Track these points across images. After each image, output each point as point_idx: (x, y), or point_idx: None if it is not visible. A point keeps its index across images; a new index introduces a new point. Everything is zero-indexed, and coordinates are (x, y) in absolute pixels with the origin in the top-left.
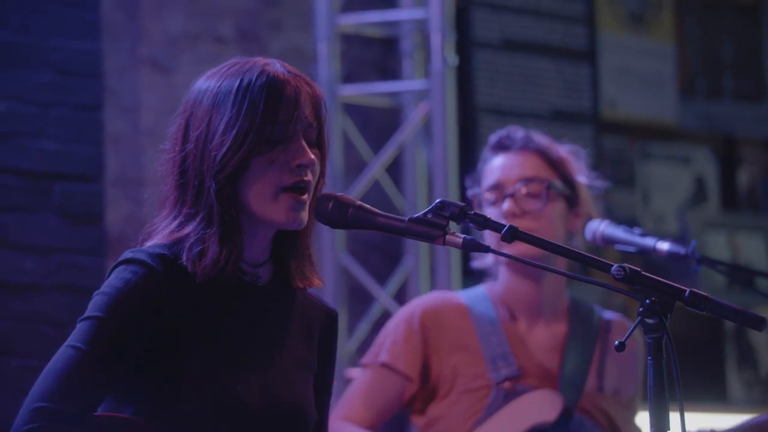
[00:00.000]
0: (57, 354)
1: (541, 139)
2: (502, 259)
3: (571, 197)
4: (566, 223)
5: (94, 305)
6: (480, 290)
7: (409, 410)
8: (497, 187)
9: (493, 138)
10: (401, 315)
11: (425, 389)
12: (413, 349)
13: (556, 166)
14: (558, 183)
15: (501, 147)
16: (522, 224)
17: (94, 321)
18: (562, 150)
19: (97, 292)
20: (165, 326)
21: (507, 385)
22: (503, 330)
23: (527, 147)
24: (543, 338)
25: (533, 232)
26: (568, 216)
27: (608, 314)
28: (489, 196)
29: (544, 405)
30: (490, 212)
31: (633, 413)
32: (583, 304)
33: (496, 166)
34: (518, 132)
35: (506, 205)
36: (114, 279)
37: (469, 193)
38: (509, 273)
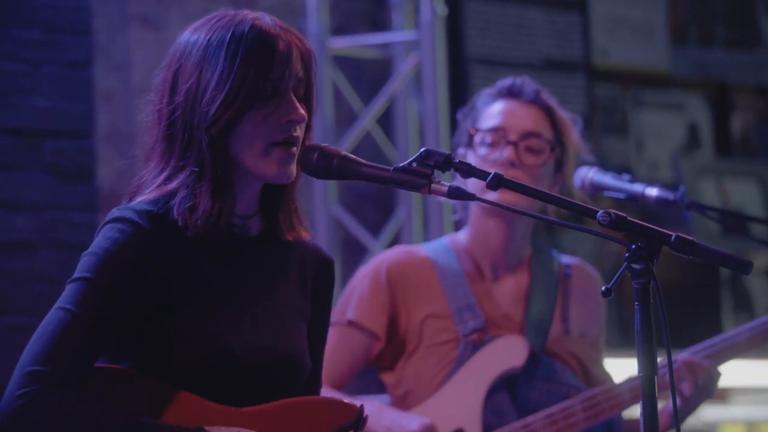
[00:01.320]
0: (48, 316)
1: (549, 98)
2: (475, 209)
3: (561, 161)
4: (549, 185)
5: (82, 266)
6: (443, 242)
7: (377, 368)
8: (500, 131)
9: (503, 82)
10: (367, 271)
11: (392, 345)
12: (380, 305)
13: (558, 128)
14: (557, 144)
15: (510, 94)
16: (515, 175)
17: (84, 282)
18: (564, 114)
19: (85, 252)
20: (155, 283)
21: (475, 336)
22: (468, 282)
23: (537, 101)
24: (508, 288)
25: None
26: (553, 177)
27: (567, 259)
28: (487, 137)
29: (510, 351)
30: (483, 152)
31: (599, 353)
32: (544, 250)
33: (502, 109)
34: (530, 84)
35: (506, 152)
36: (102, 239)
37: (462, 126)
38: (482, 219)
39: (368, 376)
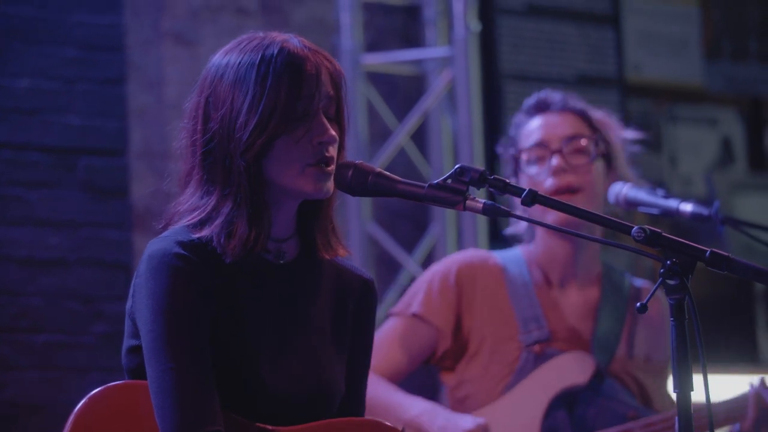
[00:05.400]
0: (158, 382)
1: (577, 101)
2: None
3: (609, 157)
4: (605, 182)
5: (154, 318)
6: (515, 252)
7: (438, 367)
8: (541, 145)
9: (529, 100)
10: (438, 269)
11: (456, 345)
12: (447, 304)
13: (595, 125)
14: (600, 142)
15: (539, 109)
16: (571, 180)
17: (165, 336)
18: (598, 112)
19: (145, 299)
20: (210, 311)
21: (537, 348)
22: (536, 293)
23: (566, 108)
24: (576, 303)
25: (582, 189)
26: (607, 175)
27: (639, 281)
28: (531, 154)
29: (575, 367)
30: (533, 171)
31: (664, 379)
32: (615, 270)
33: (536, 126)
34: (555, 94)
35: (555, 160)
36: (157, 282)
37: (503, 154)
38: (545, 236)
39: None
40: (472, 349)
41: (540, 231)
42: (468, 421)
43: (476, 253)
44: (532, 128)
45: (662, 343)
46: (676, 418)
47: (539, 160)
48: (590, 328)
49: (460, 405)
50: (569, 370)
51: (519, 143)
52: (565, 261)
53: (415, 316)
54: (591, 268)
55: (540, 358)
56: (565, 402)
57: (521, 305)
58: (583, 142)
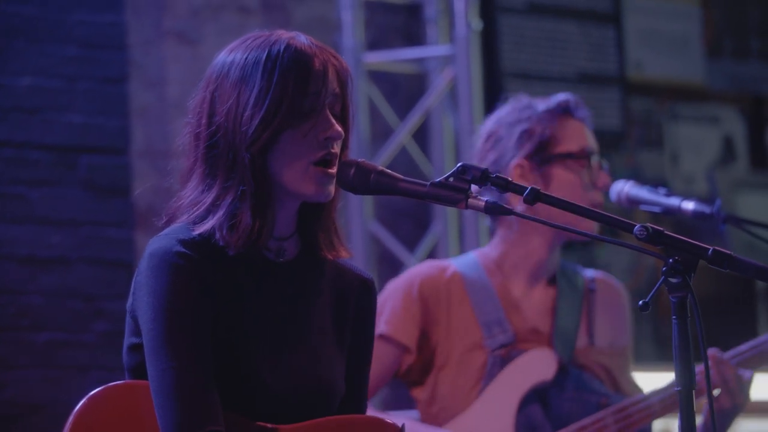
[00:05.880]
0: (159, 381)
1: None
2: (519, 225)
3: None
4: None
5: (155, 317)
6: (471, 257)
7: (406, 382)
8: (589, 154)
9: (559, 99)
10: (399, 285)
11: (422, 359)
12: (411, 319)
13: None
14: None
15: (573, 111)
16: (598, 197)
17: (165, 334)
18: None
19: (146, 297)
20: (211, 309)
21: (503, 351)
22: (497, 296)
23: (587, 120)
24: (535, 302)
25: (602, 206)
26: None
27: (590, 272)
28: (575, 161)
29: (539, 364)
30: (567, 177)
31: (628, 363)
32: (568, 265)
33: (580, 131)
34: (578, 101)
35: (603, 177)
36: (158, 281)
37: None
38: (525, 238)
39: (401, 391)
40: (439, 362)
41: (518, 231)
42: None
43: (434, 264)
44: (576, 132)
45: (622, 328)
46: (679, 414)
47: (585, 168)
48: (550, 325)
49: (435, 419)
50: (533, 367)
51: (558, 142)
52: (537, 260)
53: (381, 336)
54: (555, 266)
55: (506, 361)
56: (538, 398)
57: (483, 310)
58: (600, 162)
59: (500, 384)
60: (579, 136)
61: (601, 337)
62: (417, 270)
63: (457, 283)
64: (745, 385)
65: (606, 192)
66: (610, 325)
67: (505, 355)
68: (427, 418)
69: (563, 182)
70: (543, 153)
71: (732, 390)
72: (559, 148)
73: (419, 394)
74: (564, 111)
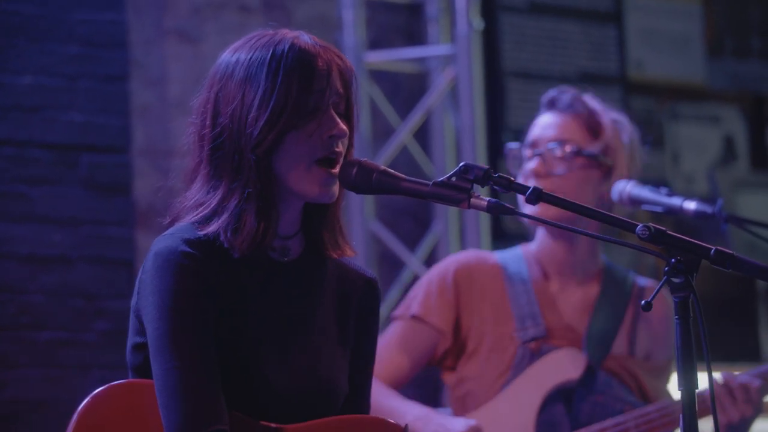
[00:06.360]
0: (164, 380)
1: (589, 103)
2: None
3: (607, 166)
4: (599, 191)
5: (160, 316)
6: (516, 251)
7: (440, 367)
8: (532, 145)
9: (545, 96)
10: (435, 271)
11: (455, 344)
12: (446, 304)
13: (596, 132)
14: (593, 149)
15: (550, 105)
16: (544, 184)
17: (170, 334)
18: (608, 117)
19: (151, 296)
20: (216, 309)
21: (533, 345)
22: (534, 290)
23: (571, 109)
24: (574, 299)
25: (555, 194)
26: (602, 184)
27: (643, 280)
28: (526, 151)
29: (567, 363)
30: (524, 167)
31: (666, 378)
32: (619, 268)
33: (538, 123)
34: (568, 93)
35: (532, 163)
36: (163, 281)
37: (512, 147)
38: (543, 233)
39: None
40: (470, 348)
41: (539, 229)
42: (460, 424)
43: (474, 253)
44: (535, 125)
45: (665, 342)
46: (681, 415)
47: (529, 158)
48: (585, 324)
49: (461, 402)
50: (561, 366)
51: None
52: (562, 258)
53: (414, 317)
54: (589, 264)
55: (536, 355)
56: (562, 397)
57: (518, 302)
58: (568, 148)
59: (527, 379)
60: (537, 126)
61: (640, 347)
62: (455, 257)
63: (495, 272)
64: (753, 395)
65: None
66: (652, 336)
67: (535, 349)
68: (455, 403)
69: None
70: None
71: (737, 401)
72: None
73: (450, 378)
74: (546, 105)
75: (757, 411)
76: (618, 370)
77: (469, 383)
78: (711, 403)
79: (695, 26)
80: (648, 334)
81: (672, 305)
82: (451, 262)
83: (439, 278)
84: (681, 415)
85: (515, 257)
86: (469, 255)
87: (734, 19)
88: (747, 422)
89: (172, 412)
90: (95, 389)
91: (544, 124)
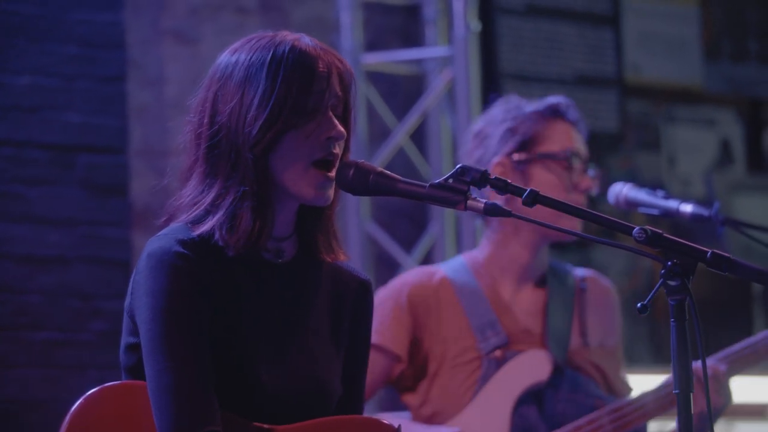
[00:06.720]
0: (157, 381)
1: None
2: (508, 226)
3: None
4: None
5: (153, 317)
6: (459, 261)
7: (398, 389)
8: (570, 157)
9: (549, 101)
10: (387, 293)
11: (414, 366)
12: (402, 328)
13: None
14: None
15: (558, 113)
16: (580, 200)
17: (163, 335)
18: None
19: (144, 297)
20: (209, 309)
21: (498, 353)
22: (488, 299)
23: (579, 124)
24: (526, 303)
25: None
26: None
27: (581, 271)
28: (560, 162)
29: (534, 365)
30: (547, 177)
31: (619, 362)
32: (558, 264)
33: (565, 133)
34: (572, 106)
35: (586, 180)
36: (157, 281)
37: (523, 152)
38: (512, 239)
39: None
40: (432, 370)
41: (506, 233)
42: (441, 431)
43: (422, 271)
44: (562, 133)
45: (612, 327)
46: (677, 418)
47: (566, 169)
48: (541, 325)
49: (428, 422)
50: (528, 368)
51: (540, 141)
52: (525, 262)
53: (372, 346)
54: (543, 267)
55: (501, 363)
56: (533, 399)
57: (475, 313)
58: (586, 165)
59: (495, 385)
60: (563, 137)
61: (593, 337)
62: (405, 278)
63: (447, 288)
64: (722, 382)
65: (589, 195)
66: (600, 324)
67: (500, 357)
68: (421, 422)
69: (542, 182)
70: (524, 152)
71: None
72: (541, 148)
73: (411, 399)
74: (553, 112)
75: (728, 399)
76: (581, 363)
77: (434, 402)
78: (707, 406)
79: (692, 29)
80: (596, 323)
81: (613, 292)
82: (402, 283)
83: (393, 301)
84: (677, 418)
85: (460, 268)
86: (417, 273)
87: (731, 23)
88: (718, 411)
89: (164, 413)
90: (90, 390)
91: (575, 136)
